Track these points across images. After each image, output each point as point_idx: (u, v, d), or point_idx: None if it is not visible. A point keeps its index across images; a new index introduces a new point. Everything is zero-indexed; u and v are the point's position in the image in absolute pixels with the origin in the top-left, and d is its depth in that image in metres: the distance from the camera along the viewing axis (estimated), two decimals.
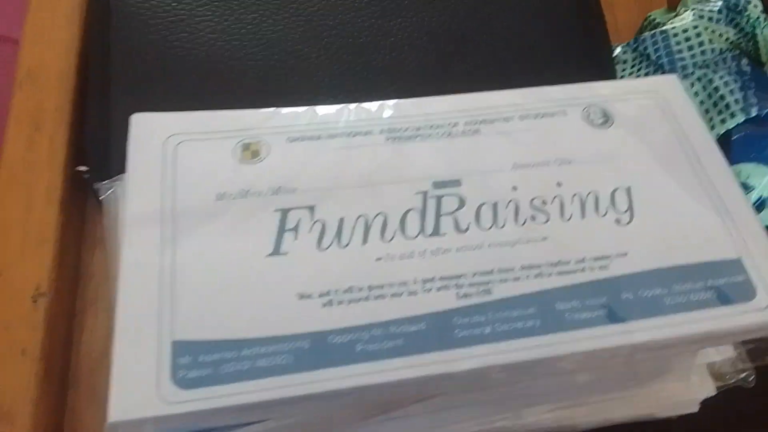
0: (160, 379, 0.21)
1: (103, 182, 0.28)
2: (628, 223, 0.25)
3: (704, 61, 0.34)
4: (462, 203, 0.25)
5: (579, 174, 0.26)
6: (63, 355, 0.30)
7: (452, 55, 0.35)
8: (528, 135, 0.27)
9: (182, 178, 0.24)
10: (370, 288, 0.23)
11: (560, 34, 0.36)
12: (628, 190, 0.26)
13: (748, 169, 0.33)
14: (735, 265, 0.24)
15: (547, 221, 0.25)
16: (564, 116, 0.28)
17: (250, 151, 0.26)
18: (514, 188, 0.26)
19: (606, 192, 0.26)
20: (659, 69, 0.35)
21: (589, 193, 0.26)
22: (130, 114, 0.27)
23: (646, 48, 0.36)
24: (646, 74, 0.36)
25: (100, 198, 0.28)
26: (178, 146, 0.25)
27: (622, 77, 0.37)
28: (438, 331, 0.22)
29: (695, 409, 0.30)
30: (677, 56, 0.35)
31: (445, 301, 0.23)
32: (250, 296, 0.22)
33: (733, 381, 0.30)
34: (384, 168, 0.26)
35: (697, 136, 0.28)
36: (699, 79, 0.34)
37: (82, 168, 0.31)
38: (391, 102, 0.28)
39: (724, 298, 0.24)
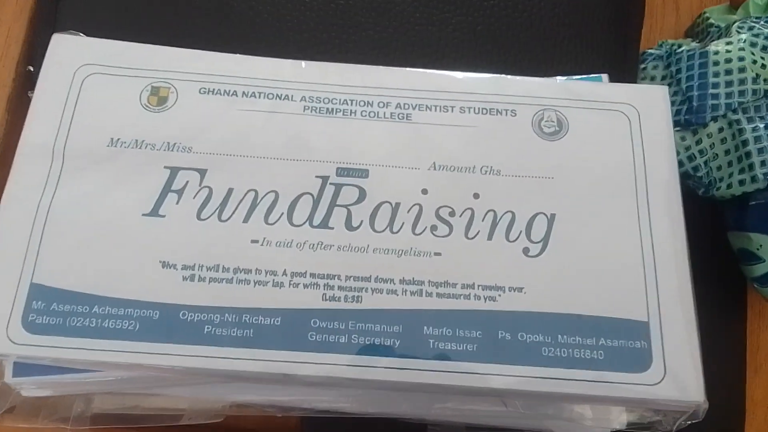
0: (12, 317, 0.21)
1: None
2: (537, 255, 0.23)
3: (741, 103, 0.28)
4: (362, 197, 0.23)
5: (503, 188, 0.24)
6: None
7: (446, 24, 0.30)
8: (462, 133, 0.24)
9: (81, 115, 0.24)
10: (236, 270, 0.22)
11: (583, 24, 0.30)
12: (552, 218, 0.23)
13: (761, 239, 0.29)
14: (639, 329, 0.22)
15: (447, 235, 0.23)
16: (512, 117, 0.25)
17: (158, 97, 0.24)
18: (424, 191, 0.23)
19: (525, 215, 0.23)
20: (687, 102, 0.29)
21: (506, 212, 0.23)
22: (75, 23, 0.26)
23: (679, 70, 0.29)
24: (671, 104, 0.29)
25: None
26: (86, 78, 0.24)
27: None
28: (292, 329, 0.22)
29: None
30: (711, 91, 0.28)
31: (309, 299, 0.22)
32: (114, 253, 0.22)
33: (648, 422, 0.28)
34: (291, 142, 0.24)
35: (659, 172, 0.24)
36: (729, 124, 0.28)
37: (31, 68, 0.30)
38: (329, 66, 0.25)
39: (613, 362, 0.21)
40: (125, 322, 0.21)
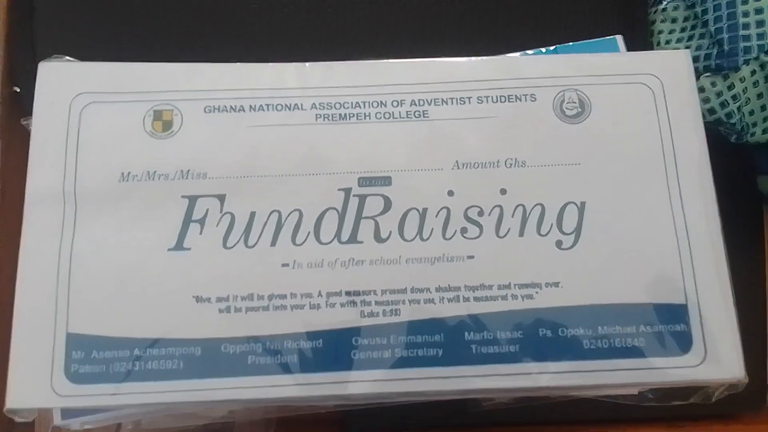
0: (54, 370, 0.21)
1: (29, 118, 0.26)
2: (570, 247, 0.22)
3: None
4: (387, 206, 0.23)
5: (530, 181, 0.23)
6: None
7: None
8: (482, 125, 0.23)
9: (86, 152, 0.23)
10: (271, 297, 0.22)
11: None
12: (582, 207, 0.23)
13: None
14: (678, 312, 0.22)
15: (478, 236, 0.23)
16: (532, 102, 0.24)
17: (162, 122, 0.23)
18: (450, 193, 0.23)
19: (555, 206, 0.23)
20: (716, 45, 0.27)
21: (536, 205, 0.23)
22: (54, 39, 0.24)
23: (705, 11, 0.27)
24: (699, 48, 0.28)
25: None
26: (84, 109, 0.23)
27: (664, 42, 0.29)
28: (335, 350, 0.22)
29: (634, 391, 0.30)
30: (742, 32, 0.27)
31: (348, 318, 0.22)
32: (146, 294, 0.22)
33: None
34: (307, 156, 0.23)
35: (688, 146, 0.23)
36: (762, 66, 0.27)
37: (17, 89, 0.29)
38: (334, 65, 0.24)
39: (654, 348, 0.22)
40: (168, 362, 0.21)
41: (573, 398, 0.29)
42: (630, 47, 0.28)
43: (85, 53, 0.25)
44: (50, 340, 0.21)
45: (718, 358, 0.22)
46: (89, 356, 0.21)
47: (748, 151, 0.30)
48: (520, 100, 0.24)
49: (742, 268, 0.33)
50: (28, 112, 0.28)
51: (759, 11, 0.27)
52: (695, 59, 0.27)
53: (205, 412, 0.27)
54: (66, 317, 0.22)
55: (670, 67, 0.24)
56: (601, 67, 0.24)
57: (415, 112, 0.24)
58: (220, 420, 0.27)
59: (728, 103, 0.27)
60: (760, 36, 0.27)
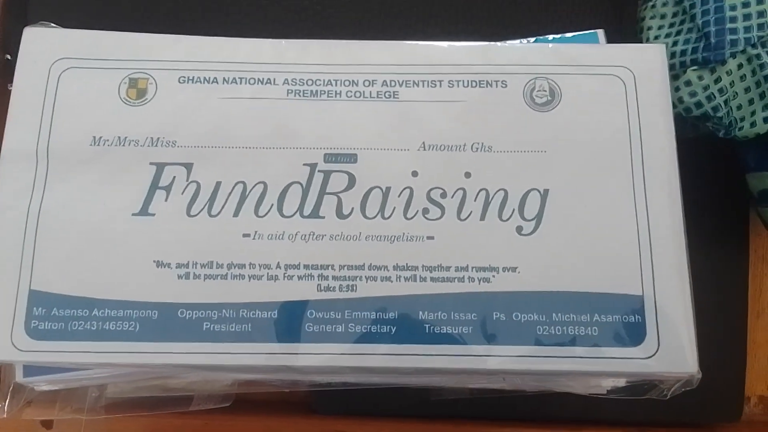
0: (15, 325, 0.22)
1: None
2: (530, 233, 0.23)
3: (761, 37, 0.26)
4: (351, 183, 0.23)
5: (495, 165, 0.23)
6: None
7: None
8: (451, 109, 0.24)
9: (61, 114, 0.23)
10: (230, 266, 0.22)
11: None
12: (545, 194, 0.23)
13: None
14: (633, 303, 0.22)
15: (439, 218, 0.23)
16: (503, 88, 0.24)
17: (137, 89, 0.24)
18: (414, 173, 0.23)
19: (518, 192, 0.23)
20: (703, 39, 0.27)
21: (499, 190, 0.23)
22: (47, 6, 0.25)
23: (693, 5, 0.27)
24: (686, 41, 0.28)
25: None
26: (63, 74, 0.24)
27: (653, 37, 0.29)
28: (289, 321, 0.22)
29: (603, 391, 0.30)
30: (729, 26, 0.27)
31: (305, 291, 0.22)
32: (108, 256, 0.22)
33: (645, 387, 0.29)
34: (276, 130, 0.23)
35: (655, 139, 0.23)
36: (749, 60, 0.26)
37: (9, 56, 0.30)
38: (310, 43, 0.24)
39: (607, 337, 0.22)
40: (125, 324, 0.22)
41: (539, 392, 0.29)
42: (616, 43, 0.28)
43: (76, 24, 0.26)
44: (13, 295, 0.22)
45: (670, 352, 0.21)
46: (50, 313, 0.22)
47: (736, 149, 0.30)
48: (491, 85, 0.24)
49: (724, 273, 0.33)
50: None
51: (746, 5, 0.26)
52: (683, 53, 0.27)
53: (167, 383, 0.27)
54: (30, 274, 0.22)
55: (644, 61, 0.24)
56: (574, 58, 0.24)
57: (385, 92, 0.24)
58: (180, 392, 0.28)
59: (715, 97, 0.27)
60: (747, 29, 0.26)
